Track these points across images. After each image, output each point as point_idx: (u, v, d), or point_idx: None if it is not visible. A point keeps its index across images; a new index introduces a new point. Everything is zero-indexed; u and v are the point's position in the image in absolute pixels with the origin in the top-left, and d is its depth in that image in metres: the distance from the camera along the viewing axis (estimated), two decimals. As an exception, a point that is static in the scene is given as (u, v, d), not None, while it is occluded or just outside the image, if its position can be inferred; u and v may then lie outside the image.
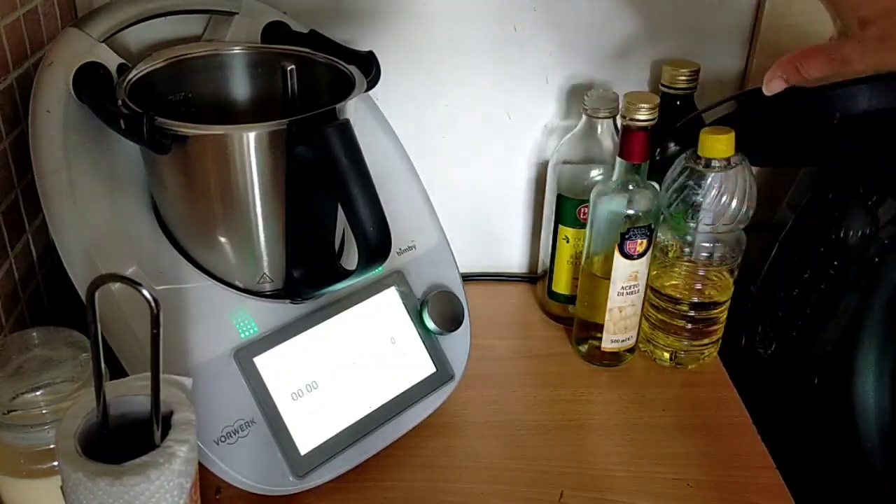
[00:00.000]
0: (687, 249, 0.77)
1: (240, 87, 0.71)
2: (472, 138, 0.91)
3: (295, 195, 0.61)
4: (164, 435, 0.48)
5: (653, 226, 0.75)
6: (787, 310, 0.81)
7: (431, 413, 0.72)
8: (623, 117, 0.77)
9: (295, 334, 0.66)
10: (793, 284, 0.80)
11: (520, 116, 0.90)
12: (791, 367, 0.79)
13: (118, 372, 0.59)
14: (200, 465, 0.57)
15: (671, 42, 0.87)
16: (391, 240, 0.59)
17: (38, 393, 0.56)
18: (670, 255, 0.79)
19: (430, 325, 0.72)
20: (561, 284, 0.88)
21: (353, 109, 0.62)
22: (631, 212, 0.74)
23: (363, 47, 0.68)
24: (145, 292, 0.44)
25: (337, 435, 0.66)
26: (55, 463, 0.55)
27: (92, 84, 0.63)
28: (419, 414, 0.71)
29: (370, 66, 0.66)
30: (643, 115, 0.75)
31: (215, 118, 0.61)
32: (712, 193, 0.73)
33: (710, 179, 0.73)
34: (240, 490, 0.62)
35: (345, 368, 0.68)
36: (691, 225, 0.75)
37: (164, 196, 0.64)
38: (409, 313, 0.72)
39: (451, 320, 0.73)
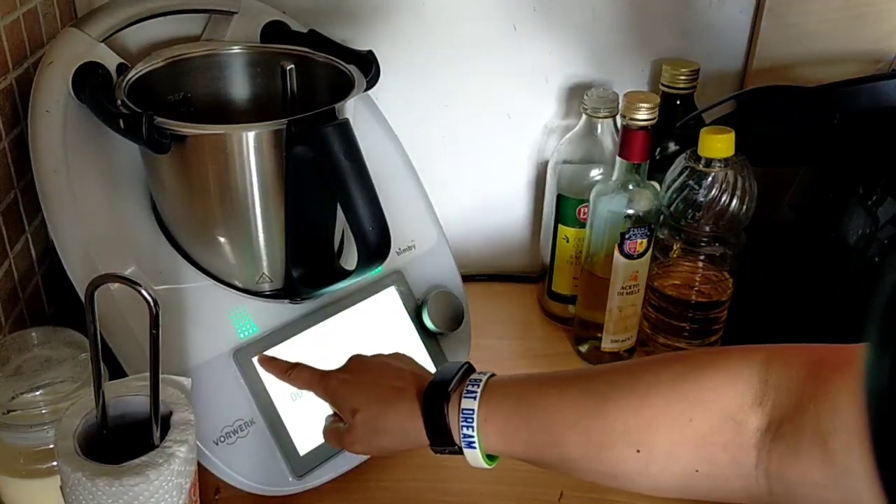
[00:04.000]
0: (687, 249, 0.77)
1: (239, 86, 0.71)
2: (471, 138, 0.91)
3: (294, 195, 0.61)
4: (164, 435, 0.48)
5: (653, 225, 0.75)
6: (788, 309, 0.81)
7: (431, 413, 0.72)
8: (623, 117, 0.77)
9: (294, 334, 0.66)
10: (793, 284, 0.80)
11: (520, 116, 0.90)
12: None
13: (117, 372, 0.59)
14: (200, 465, 0.57)
15: (671, 42, 0.87)
16: (391, 240, 0.59)
17: (37, 393, 0.56)
18: (671, 254, 0.79)
19: (430, 325, 0.72)
20: (561, 284, 0.88)
21: (352, 109, 0.62)
22: (631, 211, 0.74)
23: (362, 47, 0.68)
24: (144, 292, 0.44)
25: (336, 435, 0.66)
26: (55, 463, 0.55)
27: (91, 84, 0.63)
28: (419, 414, 0.71)
29: (369, 66, 0.66)
30: (643, 115, 0.75)
31: (214, 118, 0.62)
32: (712, 193, 0.73)
33: (710, 179, 0.73)
34: (239, 490, 0.62)
35: (344, 368, 0.68)
36: (692, 225, 0.75)
37: (163, 196, 0.64)
38: (408, 313, 0.72)
39: (451, 320, 0.73)
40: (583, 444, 0.49)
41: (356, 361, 0.60)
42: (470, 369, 0.56)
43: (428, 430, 0.53)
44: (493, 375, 0.54)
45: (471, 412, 0.52)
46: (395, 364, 0.59)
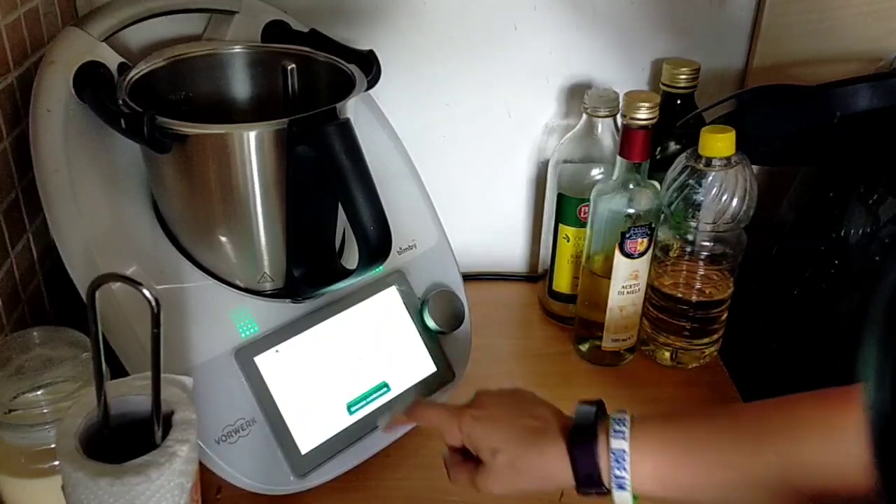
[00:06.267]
0: (688, 248, 0.77)
1: (240, 86, 0.71)
2: (472, 137, 0.91)
3: (295, 194, 0.61)
4: (165, 434, 0.48)
5: (653, 225, 0.75)
6: (788, 309, 0.81)
7: (432, 412, 0.72)
8: (623, 116, 0.77)
9: (295, 334, 0.66)
10: (793, 283, 0.80)
11: (520, 115, 0.90)
12: (791, 367, 0.79)
13: (119, 371, 0.59)
14: (201, 464, 0.57)
15: (671, 41, 0.87)
16: (392, 239, 0.59)
17: (38, 392, 0.56)
18: (671, 254, 0.79)
19: (431, 324, 0.72)
20: (561, 284, 0.88)
21: (353, 108, 0.62)
22: (631, 211, 0.74)
23: (363, 46, 0.68)
24: (146, 292, 0.44)
25: (337, 434, 0.66)
26: (56, 462, 0.55)
27: (92, 83, 0.63)
28: (420, 413, 0.71)
29: (370, 65, 0.66)
30: (643, 114, 0.75)
31: (216, 117, 0.61)
32: (713, 192, 0.73)
33: (710, 178, 0.73)
34: (241, 489, 0.62)
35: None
36: (692, 224, 0.75)
37: (164, 195, 0.64)
38: (409, 313, 0.72)
39: (452, 320, 0.73)
40: (740, 484, 0.49)
41: (484, 396, 0.59)
42: (603, 407, 0.55)
43: (576, 472, 0.52)
44: (630, 414, 0.53)
45: (623, 453, 0.51)
46: (527, 400, 0.58)
